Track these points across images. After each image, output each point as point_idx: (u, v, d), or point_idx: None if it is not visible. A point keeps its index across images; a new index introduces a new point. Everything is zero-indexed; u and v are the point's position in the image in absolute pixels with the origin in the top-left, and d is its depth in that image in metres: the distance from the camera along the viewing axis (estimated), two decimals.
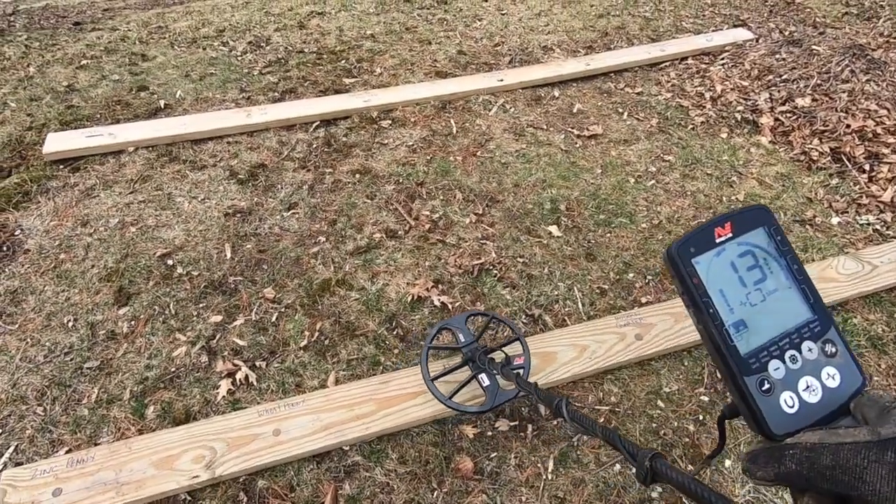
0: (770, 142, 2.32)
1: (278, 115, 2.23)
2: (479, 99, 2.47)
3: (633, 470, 0.51)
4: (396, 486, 1.25)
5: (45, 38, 2.96)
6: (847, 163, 2.15)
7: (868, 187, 2.06)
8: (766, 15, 3.25)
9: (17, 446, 1.27)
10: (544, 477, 1.28)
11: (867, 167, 2.12)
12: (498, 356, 1.35)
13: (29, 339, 1.47)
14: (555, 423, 1.37)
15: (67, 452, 1.24)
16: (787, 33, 2.97)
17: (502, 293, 1.65)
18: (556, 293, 1.67)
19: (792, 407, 0.38)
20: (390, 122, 2.31)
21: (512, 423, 1.37)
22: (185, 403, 1.36)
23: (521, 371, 1.34)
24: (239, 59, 2.78)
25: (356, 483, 1.25)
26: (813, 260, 1.79)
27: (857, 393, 0.39)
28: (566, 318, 1.61)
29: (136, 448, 1.22)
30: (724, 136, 2.34)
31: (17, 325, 1.49)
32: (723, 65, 2.74)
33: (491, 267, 1.72)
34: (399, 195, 1.97)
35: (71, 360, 1.43)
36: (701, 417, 1.40)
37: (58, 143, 2.02)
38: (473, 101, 2.46)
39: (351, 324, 1.55)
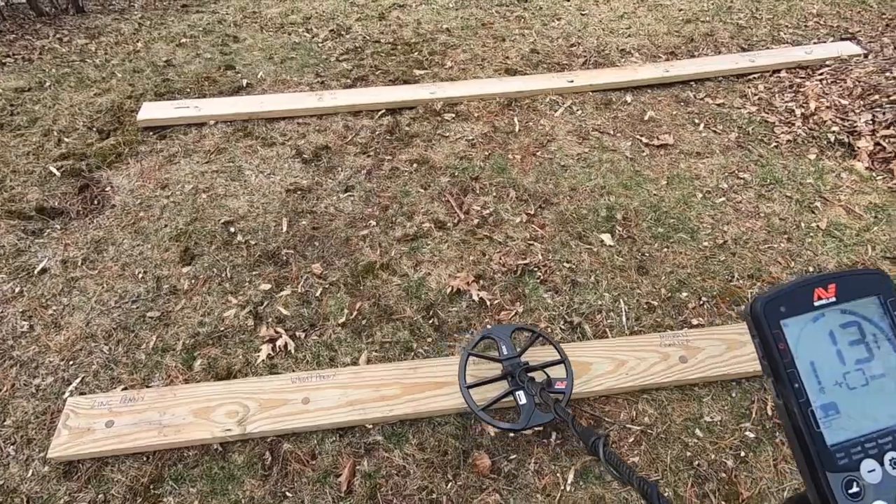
0: (867, 168, 2.10)
1: (347, 101, 2.31)
2: (545, 99, 2.42)
3: None
4: (413, 471, 1.27)
5: (156, 17, 3.25)
6: None
7: None
8: (880, 29, 2.94)
9: (83, 378, 1.41)
10: (562, 487, 1.24)
11: None
12: (539, 375, 1.32)
13: (105, 285, 1.62)
14: None
15: (123, 390, 1.37)
16: None
17: (543, 297, 1.62)
18: (599, 303, 1.61)
19: None
20: (454, 115, 2.33)
21: (536, 428, 1.34)
22: (229, 361, 1.45)
23: (560, 397, 1.29)
24: (319, 45, 2.90)
25: (374, 461, 1.28)
26: None
27: None
28: (607, 329, 1.55)
29: (180, 395, 1.32)
30: (813, 157, 2.15)
31: (96, 271, 1.66)
32: (821, 80, 2.51)
33: (535, 269, 1.69)
34: (453, 188, 1.98)
35: (137, 308, 1.57)
36: (742, 454, 1.30)
37: (151, 111, 2.22)
38: (540, 100, 2.42)
39: (389, 308, 1.58)
